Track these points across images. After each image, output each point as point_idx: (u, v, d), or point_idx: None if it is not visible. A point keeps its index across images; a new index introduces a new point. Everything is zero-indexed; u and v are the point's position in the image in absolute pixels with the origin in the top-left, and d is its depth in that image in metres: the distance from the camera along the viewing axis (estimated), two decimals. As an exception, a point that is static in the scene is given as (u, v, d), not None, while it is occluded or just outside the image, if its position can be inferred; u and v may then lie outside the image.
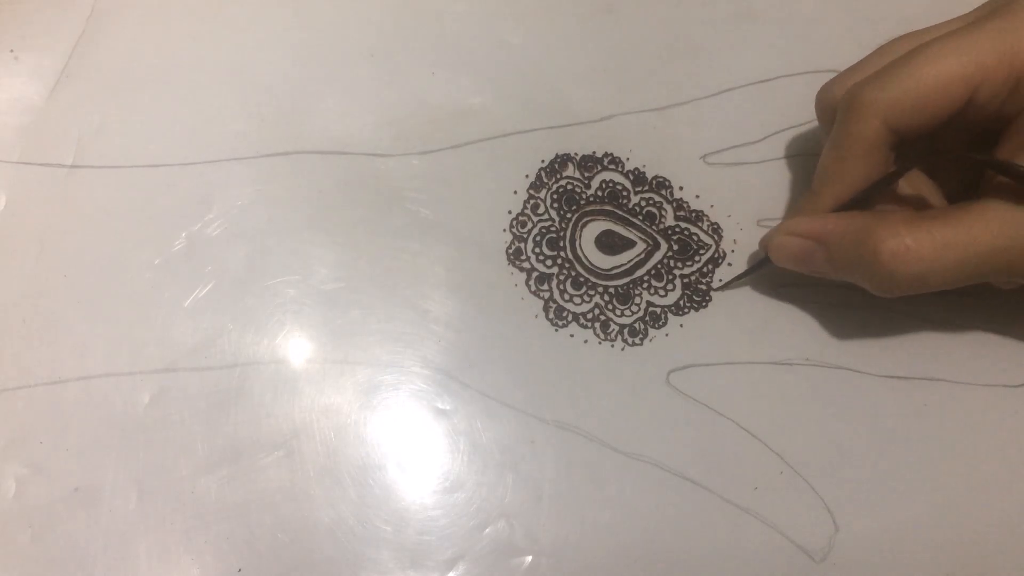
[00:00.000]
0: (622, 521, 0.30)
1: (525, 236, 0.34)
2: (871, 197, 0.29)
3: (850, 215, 0.29)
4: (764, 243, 0.32)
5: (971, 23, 0.28)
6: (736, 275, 0.33)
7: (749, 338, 0.32)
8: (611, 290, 0.33)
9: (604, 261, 0.33)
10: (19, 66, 0.36)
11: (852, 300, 0.33)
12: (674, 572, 0.30)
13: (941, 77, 0.27)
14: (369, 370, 0.32)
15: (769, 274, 0.32)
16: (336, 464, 0.31)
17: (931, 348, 0.32)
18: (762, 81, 0.36)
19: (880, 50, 0.30)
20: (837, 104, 0.29)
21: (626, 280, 0.33)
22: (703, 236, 0.34)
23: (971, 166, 0.30)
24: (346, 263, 0.33)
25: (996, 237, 0.26)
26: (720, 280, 0.33)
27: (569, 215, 0.34)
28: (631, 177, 0.35)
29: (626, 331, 0.32)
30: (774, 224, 0.34)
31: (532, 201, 0.34)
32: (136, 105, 0.35)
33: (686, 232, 0.34)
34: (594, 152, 0.35)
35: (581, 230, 0.34)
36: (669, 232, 0.34)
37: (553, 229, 0.34)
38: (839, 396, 0.32)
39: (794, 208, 0.32)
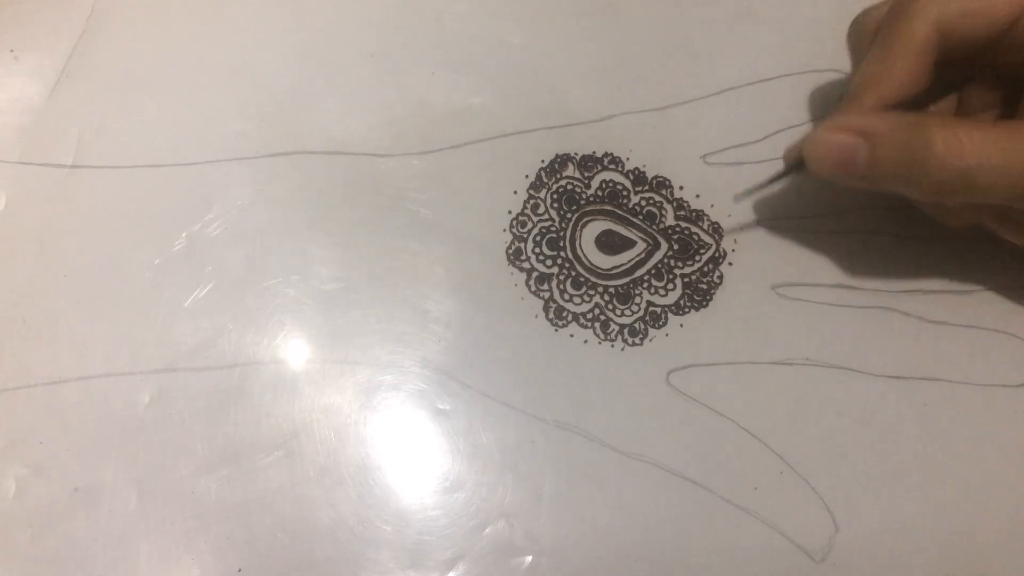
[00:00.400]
0: (622, 521, 0.30)
1: (525, 236, 0.34)
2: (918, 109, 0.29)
3: (900, 112, 0.28)
4: (792, 150, 0.31)
5: None
6: (756, 183, 0.32)
7: (749, 338, 0.32)
8: (611, 290, 0.33)
9: (604, 261, 0.33)
10: (19, 66, 0.36)
11: (852, 300, 0.33)
12: (674, 572, 0.30)
13: None
14: (369, 370, 0.32)
15: (781, 239, 0.32)
16: (336, 464, 0.31)
17: (931, 348, 0.32)
18: (762, 81, 0.36)
19: None
20: (881, 21, 0.29)
21: (626, 280, 0.33)
22: (703, 236, 0.34)
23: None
24: (346, 263, 0.33)
25: None
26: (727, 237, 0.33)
27: (569, 215, 0.34)
28: (631, 177, 0.35)
29: (626, 331, 0.32)
30: (774, 224, 0.34)
31: (532, 201, 0.34)
32: (136, 105, 0.35)
33: (686, 232, 0.34)
34: (594, 152, 0.35)
35: (581, 230, 0.34)
36: (669, 232, 0.34)
37: (553, 229, 0.34)
38: (839, 396, 0.32)
39: (835, 110, 0.31)
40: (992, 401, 0.32)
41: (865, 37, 0.31)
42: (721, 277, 0.33)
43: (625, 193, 0.34)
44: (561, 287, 0.33)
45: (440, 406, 0.31)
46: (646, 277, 0.33)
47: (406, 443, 0.31)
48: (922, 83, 0.29)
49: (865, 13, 0.31)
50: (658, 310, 0.33)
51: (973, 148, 0.26)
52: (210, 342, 0.32)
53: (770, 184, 0.32)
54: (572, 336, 0.32)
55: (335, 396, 0.31)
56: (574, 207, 0.34)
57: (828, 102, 0.35)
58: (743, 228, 0.34)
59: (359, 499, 0.30)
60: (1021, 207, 0.28)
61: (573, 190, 0.34)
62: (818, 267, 0.33)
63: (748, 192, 0.33)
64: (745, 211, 0.34)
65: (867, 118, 0.28)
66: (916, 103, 0.29)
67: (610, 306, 0.33)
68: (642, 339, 0.32)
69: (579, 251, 0.33)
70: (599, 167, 0.35)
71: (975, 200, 0.27)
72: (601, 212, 0.34)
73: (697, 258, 0.34)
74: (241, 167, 0.34)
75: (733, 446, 0.31)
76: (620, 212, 0.34)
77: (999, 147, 0.26)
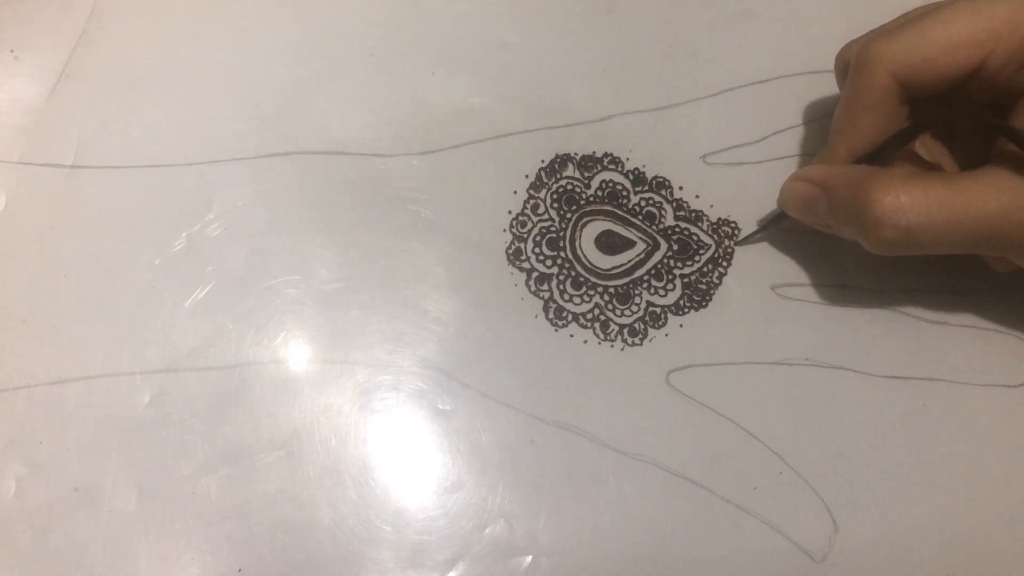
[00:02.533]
0: (622, 521, 0.30)
1: (525, 236, 0.34)
2: (885, 156, 0.30)
3: (855, 166, 0.29)
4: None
5: None
6: (752, 231, 0.33)
7: (749, 338, 0.32)
8: (611, 290, 0.33)
9: (604, 261, 0.33)
10: (19, 66, 0.36)
11: (852, 300, 0.33)
12: (674, 572, 0.30)
13: (951, 38, 0.27)
14: (369, 370, 0.32)
15: (781, 239, 0.33)
16: (336, 464, 0.31)
17: (931, 348, 0.32)
18: (762, 81, 0.36)
19: (903, 15, 0.30)
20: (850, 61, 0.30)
21: (626, 280, 0.33)
22: (703, 236, 0.34)
23: (987, 138, 0.30)
24: (346, 263, 0.33)
25: (991, 203, 0.26)
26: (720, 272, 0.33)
27: (569, 215, 0.34)
28: (631, 177, 0.35)
29: (626, 331, 0.32)
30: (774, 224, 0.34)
31: (532, 201, 0.34)
32: (136, 105, 0.35)
33: (686, 232, 0.34)
34: (594, 152, 0.35)
35: (581, 230, 0.34)
36: (669, 232, 0.34)
37: (553, 229, 0.34)
38: (839, 396, 0.32)
39: (811, 161, 0.33)
40: (992, 401, 0.32)
41: (844, 71, 0.31)
42: (721, 277, 0.33)
43: (625, 193, 0.34)
44: (561, 287, 0.33)
45: (440, 406, 0.31)
46: (646, 277, 0.33)
47: (406, 443, 0.31)
48: (890, 128, 0.29)
49: (847, 47, 0.31)
50: (658, 310, 0.33)
51: (914, 209, 0.26)
52: (210, 342, 0.32)
53: (766, 229, 0.33)
54: (572, 336, 0.32)
55: (335, 396, 0.31)
56: (574, 207, 0.34)
57: (827, 103, 0.35)
58: (743, 228, 0.34)
59: (359, 499, 0.30)
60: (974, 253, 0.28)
61: (573, 190, 0.34)
62: (818, 267, 0.33)
63: (746, 239, 0.34)
64: (745, 212, 0.34)
65: (825, 170, 0.30)
66: (907, 135, 0.29)
67: (610, 306, 0.33)
68: (642, 339, 0.32)
69: (579, 251, 0.33)
70: (599, 167, 0.35)
71: (920, 253, 0.28)
72: (601, 212, 0.34)
73: (696, 258, 0.34)
74: (241, 167, 0.34)
75: (733, 446, 0.31)
76: (620, 212, 0.34)
77: (941, 209, 0.26)
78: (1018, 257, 0.28)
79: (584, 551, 0.30)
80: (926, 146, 0.31)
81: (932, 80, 0.28)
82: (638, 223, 0.34)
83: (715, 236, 0.34)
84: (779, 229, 0.33)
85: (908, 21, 0.28)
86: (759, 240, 0.34)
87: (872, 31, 0.31)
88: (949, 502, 0.30)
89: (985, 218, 0.26)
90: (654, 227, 0.34)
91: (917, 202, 0.26)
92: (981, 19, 0.27)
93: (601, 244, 0.34)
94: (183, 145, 0.34)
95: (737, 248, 0.34)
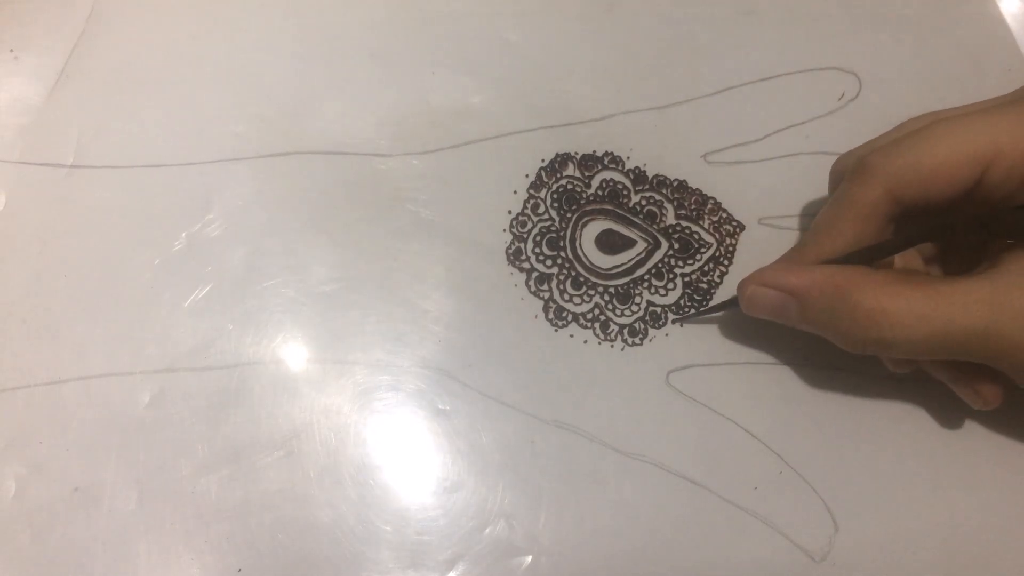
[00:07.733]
0: (622, 521, 0.30)
1: (525, 236, 0.34)
2: (872, 261, 0.28)
3: (830, 269, 0.28)
4: (739, 289, 0.31)
5: (992, 105, 0.27)
6: (700, 310, 0.33)
7: (749, 338, 0.32)
8: (611, 290, 0.33)
9: (604, 261, 0.33)
10: (19, 66, 0.36)
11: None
12: (674, 572, 0.30)
13: (952, 154, 0.26)
14: (369, 370, 0.32)
15: (782, 238, 0.33)
16: (336, 464, 0.31)
17: (932, 348, 0.32)
18: (762, 80, 0.36)
19: (901, 126, 0.29)
20: (846, 171, 0.29)
21: (626, 280, 0.33)
22: (704, 235, 0.34)
23: (980, 241, 0.29)
24: (346, 263, 0.33)
25: (976, 318, 0.25)
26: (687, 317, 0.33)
27: (569, 215, 0.34)
28: (631, 176, 0.35)
29: (626, 331, 0.32)
30: (775, 223, 0.34)
31: (532, 201, 0.34)
32: (136, 105, 0.35)
33: (687, 231, 0.34)
34: (594, 151, 0.35)
35: (581, 230, 0.34)
36: (670, 231, 0.34)
37: (553, 229, 0.34)
38: (839, 396, 0.32)
39: (780, 258, 0.31)
40: (993, 401, 0.32)
41: (838, 182, 0.30)
42: (722, 276, 0.33)
43: (625, 192, 0.34)
44: (561, 287, 0.33)
45: (440, 406, 0.31)
46: (646, 277, 0.33)
47: (406, 443, 0.31)
48: (871, 239, 0.28)
49: (843, 157, 0.31)
50: (658, 310, 0.33)
51: (895, 322, 0.26)
52: (210, 342, 0.32)
53: (712, 312, 0.33)
54: (572, 336, 0.32)
55: (335, 396, 0.31)
56: (574, 207, 0.34)
57: (828, 101, 0.35)
58: (744, 228, 0.34)
59: (359, 499, 0.30)
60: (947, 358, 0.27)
61: (573, 189, 0.34)
62: (818, 267, 0.33)
63: (690, 318, 0.33)
64: (746, 211, 0.34)
65: (797, 277, 0.28)
66: (904, 243, 0.28)
67: (610, 306, 0.33)
68: (642, 339, 0.32)
69: (579, 251, 0.33)
70: (599, 166, 0.35)
71: (899, 357, 0.28)
72: (601, 212, 0.34)
73: (698, 257, 0.33)
74: (241, 167, 0.34)
75: (733, 446, 0.31)
76: (620, 211, 0.34)
77: (923, 323, 0.25)
78: (998, 366, 0.27)
79: (584, 551, 0.30)
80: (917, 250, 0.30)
81: (930, 197, 0.27)
82: (639, 222, 0.34)
83: (716, 235, 0.34)
84: (779, 229, 0.33)
85: (907, 135, 0.27)
86: (705, 321, 0.33)
87: (871, 142, 0.30)
88: (949, 502, 0.30)
89: (968, 332, 0.25)
90: (655, 226, 0.34)
91: (900, 315, 0.26)
92: (983, 134, 0.26)
93: (601, 244, 0.34)
94: (183, 145, 0.34)
95: (738, 237, 0.33)
